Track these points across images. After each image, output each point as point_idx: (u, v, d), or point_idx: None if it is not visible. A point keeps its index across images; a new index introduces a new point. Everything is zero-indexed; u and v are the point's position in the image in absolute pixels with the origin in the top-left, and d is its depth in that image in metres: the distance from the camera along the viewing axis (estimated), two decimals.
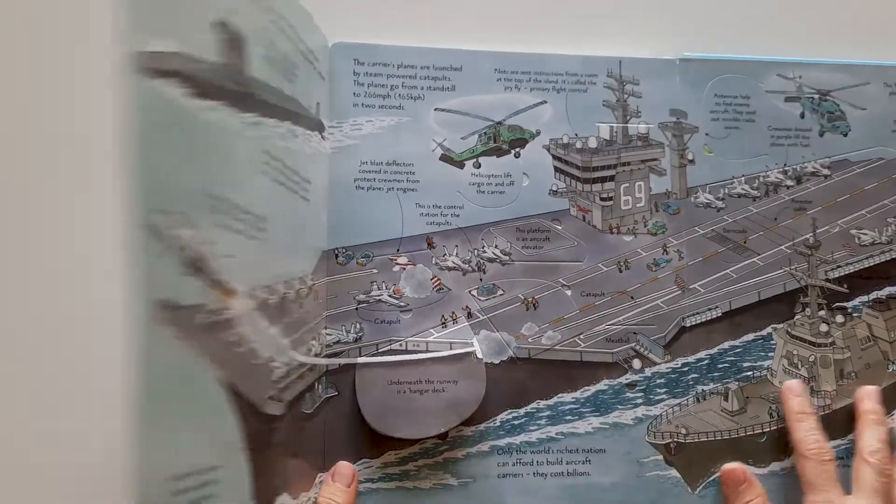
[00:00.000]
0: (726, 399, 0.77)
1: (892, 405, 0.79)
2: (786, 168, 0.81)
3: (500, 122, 0.75)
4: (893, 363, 0.79)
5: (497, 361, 0.74)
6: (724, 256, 0.79)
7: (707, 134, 0.80)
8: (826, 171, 0.81)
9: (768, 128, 0.81)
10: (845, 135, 0.81)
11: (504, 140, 0.75)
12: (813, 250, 0.79)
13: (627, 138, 0.80)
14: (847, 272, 0.80)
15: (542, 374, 0.75)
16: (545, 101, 0.77)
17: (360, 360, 0.71)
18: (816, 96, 0.81)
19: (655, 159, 0.80)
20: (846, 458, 0.77)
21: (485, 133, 0.75)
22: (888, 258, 0.81)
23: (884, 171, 0.81)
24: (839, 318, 0.79)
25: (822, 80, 0.81)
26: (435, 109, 0.76)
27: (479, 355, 0.72)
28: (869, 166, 0.81)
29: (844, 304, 0.79)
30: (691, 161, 0.80)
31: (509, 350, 0.74)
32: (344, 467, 0.69)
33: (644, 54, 0.81)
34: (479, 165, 0.75)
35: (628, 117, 0.80)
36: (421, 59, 0.77)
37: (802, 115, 0.81)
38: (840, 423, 0.78)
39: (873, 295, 0.80)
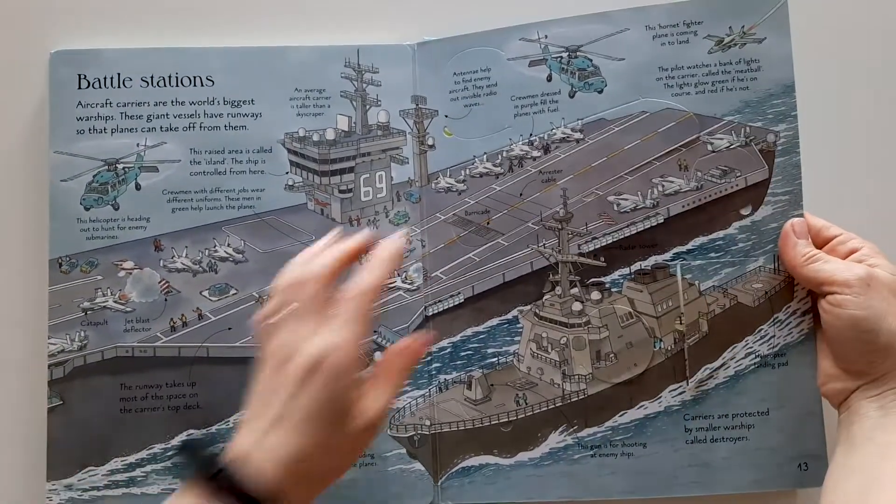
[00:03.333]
0: (469, 388, 0.76)
1: (658, 386, 0.76)
2: (532, 138, 0.79)
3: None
4: (660, 340, 0.76)
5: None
6: (465, 240, 0.79)
7: (446, 115, 0.80)
8: (578, 135, 0.80)
9: (511, 98, 0.81)
10: (600, 91, 0.79)
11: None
12: (563, 223, 0.78)
13: (367, 128, 0.81)
14: (605, 244, 0.77)
15: None
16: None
17: None
18: (565, 55, 0.80)
19: (397, 148, 0.81)
20: (602, 446, 0.74)
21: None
22: (653, 224, 0.77)
23: (647, 126, 0.79)
24: (595, 295, 0.77)
25: (571, 36, 0.81)
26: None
27: None
28: (630, 122, 0.81)
29: (601, 278, 0.77)
30: (432, 146, 0.80)
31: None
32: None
33: (384, 41, 0.81)
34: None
35: (367, 106, 0.80)
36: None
37: (549, 78, 0.80)
38: (595, 409, 0.75)
39: (636, 266, 0.78)
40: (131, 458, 0.78)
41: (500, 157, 0.82)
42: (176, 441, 0.79)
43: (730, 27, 0.79)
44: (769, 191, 0.78)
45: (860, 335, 0.68)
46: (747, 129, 0.79)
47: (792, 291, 0.76)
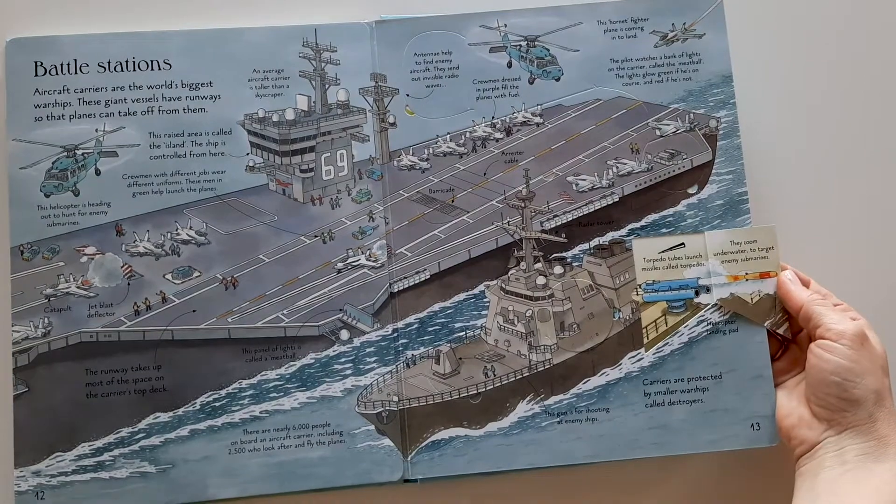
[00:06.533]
0: (437, 362, 0.90)
1: (618, 354, 0.91)
2: (494, 120, 0.93)
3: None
4: (619, 311, 0.92)
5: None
6: (430, 217, 0.93)
7: (408, 95, 0.94)
8: (538, 119, 0.95)
9: (473, 81, 0.96)
10: (557, 79, 0.95)
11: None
12: (526, 202, 0.93)
13: (327, 107, 0.94)
14: (565, 221, 0.93)
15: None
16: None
17: None
18: (524, 43, 0.95)
19: (357, 126, 0.95)
20: (568, 413, 0.89)
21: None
22: (610, 202, 0.93)
23: (601, 113, 0.95)
24: (558, 269, 0.93)
25: (529, 26, 0.96)
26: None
27: None
28: (585, 109, 0.96)
29: (563, 254, 0.93)
30: (393, 124, 0.94)
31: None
32: None
33: (341, 20, 0.94)
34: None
35: (327, 85, 0.93)
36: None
37: (510, 65, 0.95)
38: (560, 378, 0.90)
39: (594, 242, 0.93)
40: (98, 443, 0.90)
41: (463, 137, 0.97)
42: (143, 424, 0.90)
43: (672, 24, 0.99)
44: (713, 171, 0.97)
45: (841, 382, 0.85)
46: (691, 115, 0.98)
47: None
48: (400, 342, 0.94)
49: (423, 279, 0.95)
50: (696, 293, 0.94)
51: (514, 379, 0.94)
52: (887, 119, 1.05)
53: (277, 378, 0.93)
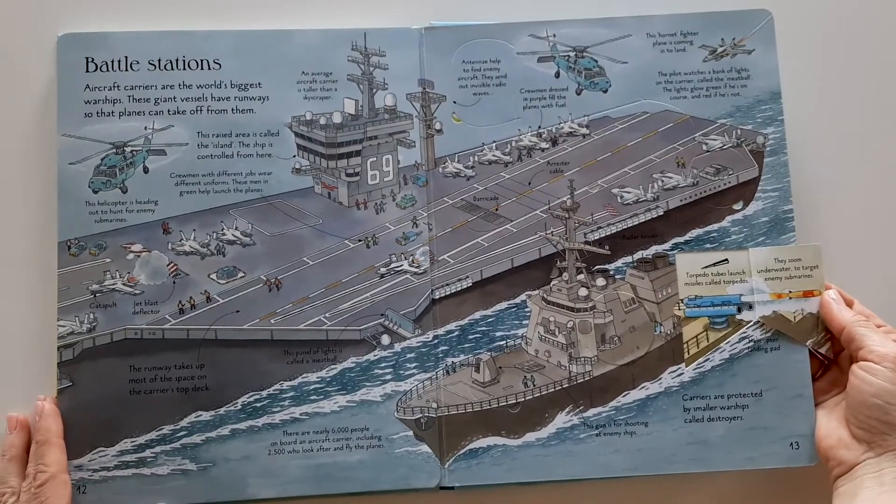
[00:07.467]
0: (477, 370, 0.92)
1: (658, 368, 0.93)
2: (540, 130, 0.96)
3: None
4: (660, 325, 0.94)
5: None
6: (474, 225, 0.96)
7: (455, 102, 0.97)
8: (584, 130, 0.97)
9: (521, 90, 0.98)
10: (605, 91, 0.97)
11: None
12: (571, 213, 0.96)
13: (374, 112, 0.96)
14: (609, 233, 0.95)
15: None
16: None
17: None
18: (572, 54, 0.97)
19: (404, 131, 0.98)
20: (607, 425, 0.91)
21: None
22: (654, 216, 0.95)
23: (648, 126, 0.97)
24: (600, 281, 0.95)
25: (577, 37, 0.99)
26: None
27: None
28: (632, 121, 0.99)
29: (606, 266, 0.95)
30: (439, 131, 0.96)
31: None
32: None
33: (391, 24, 0.96)
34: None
35: (374, 90, 0.95)
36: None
37: (557, 75, 0.97)
38: (600, 390, 0.92)
39: (638, 255, 0.95)
40: (141, 440, 0.93)
41: (509, 146, 1.00)
42: (185, 422, 0.92)
43: (722, 39, 1.02)
44: (759, 187, 0.99)
45: (882, 405, 0.88)
46: (738, 131, 1.01)
47: None
48: (440, 349, 0.97)
49: (464, 287, 0.98)
50: (739, 310, 0.96)
51: (553, 390, 0.96)
52: None
53: (318, 381, 0.95)
